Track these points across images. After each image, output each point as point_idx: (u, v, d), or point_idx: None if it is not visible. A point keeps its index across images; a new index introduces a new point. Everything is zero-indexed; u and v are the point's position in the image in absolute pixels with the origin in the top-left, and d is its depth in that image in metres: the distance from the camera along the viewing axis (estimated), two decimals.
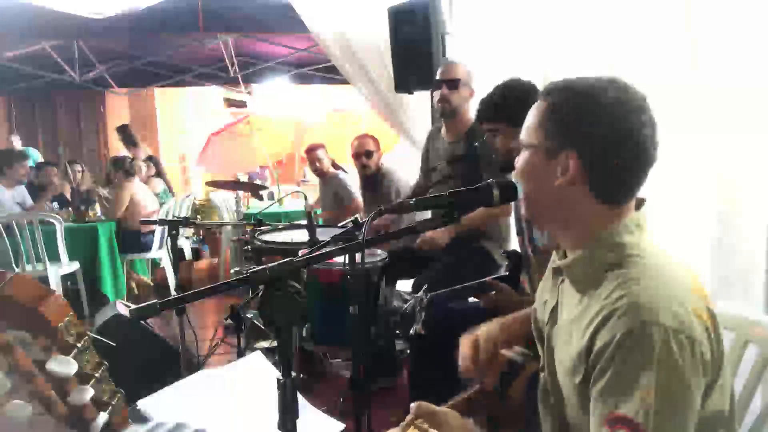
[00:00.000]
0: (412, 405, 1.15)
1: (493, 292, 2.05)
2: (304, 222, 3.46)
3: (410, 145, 4.19)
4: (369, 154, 4.14)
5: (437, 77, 3.05)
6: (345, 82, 4.79)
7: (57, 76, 7.43)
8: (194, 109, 10.42)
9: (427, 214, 2.05)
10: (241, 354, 2.97)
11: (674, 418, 0.97)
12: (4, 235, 4.51)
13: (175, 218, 3.24)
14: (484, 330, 1.47)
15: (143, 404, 1.26)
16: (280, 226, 3.81)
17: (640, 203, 1.16)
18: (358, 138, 4.26)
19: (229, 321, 3.12)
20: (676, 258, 1.11)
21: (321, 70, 7.40)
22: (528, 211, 1.20)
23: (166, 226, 3.44)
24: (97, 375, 0.79)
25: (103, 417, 0.77)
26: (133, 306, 1.01)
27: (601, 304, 1.05)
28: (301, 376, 3.24)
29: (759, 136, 1.79)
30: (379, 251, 3.14)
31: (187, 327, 2.74)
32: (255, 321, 3.53)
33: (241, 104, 10.33)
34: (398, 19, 3.70)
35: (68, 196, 5.90)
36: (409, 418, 1.15)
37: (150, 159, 6.88)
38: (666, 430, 0.96)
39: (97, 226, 5.01)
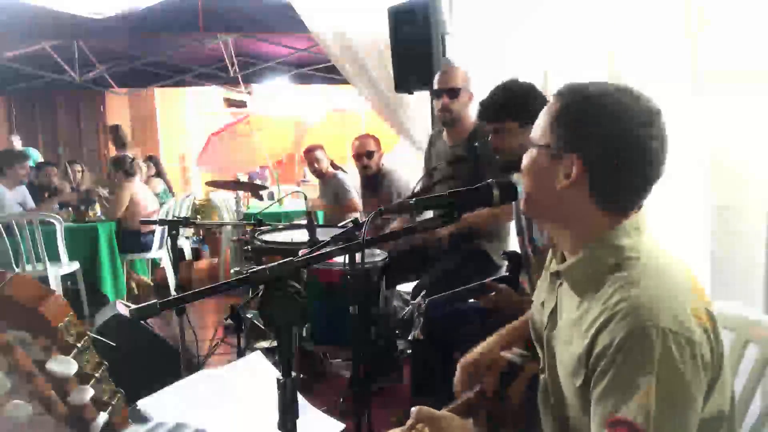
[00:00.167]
0: (413, 410, 1.15)
1: (493, 294, 2.05)
2: (304, 222, 3.46)
3: (410, 145, 4.19)
4: (370, 154, 4.14)
5: (436, 86, 3.01)
6: (345, 82, 4.80)
7: (57, 76, 7.43)
8: (194, 109, 10.42)
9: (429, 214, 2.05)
10: (241, 354, 2.97)
11: (675, 419, 0.97)
12: (4, 235, 4.51)
13: (175, 218, 3.24)
14: (480, 351, 1.46)
15: (143, 404, 1.26)
16: (280, 226, 3.81)
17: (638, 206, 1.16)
18: (359, 138, 4.25)
19: (229, 321, 3.12)
20: (676, 258, 1.11)
21: (321, 70, 7.40)
22: (527, 208, 1.21)
23: (166, 226, 3.44)
24: (97, 375, 0.79)
25: (103, 417, 0.78)
26: (133, 306, 1.01)
27: (601, 307, 1.05)
28: (301, 376, 3.24)
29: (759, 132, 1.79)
30: (378, 251, 3.15)
31: (187, 327, 2.74)
32: (255, 321, 3.53)
33: (241, 104, 10.33)
34: (398, 19, 3.70)
35: (68, 196, 5.90)
36: (409, 422, 1.15)
37: (150, 159, 6.88)
38: (666, 431, 0.96)
39: (97, 226, 5.01)
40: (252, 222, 3.34)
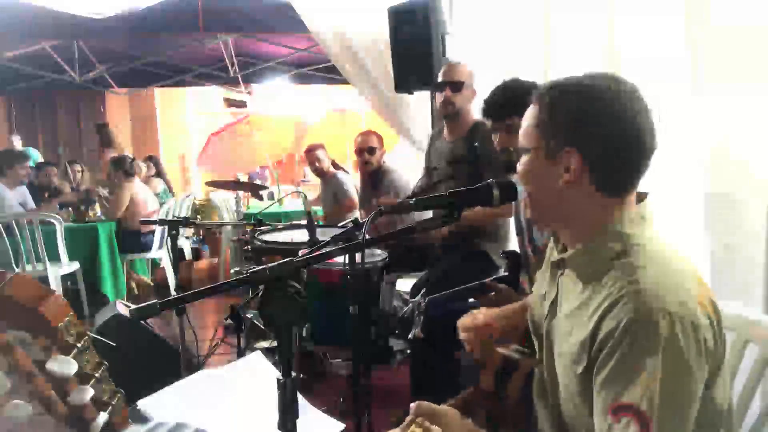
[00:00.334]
0: (412, 405, 1.15)
1: (493, 293, 2.05)
2: (304, 222, 3.46)
3: (410, 145, 4.19)
4: (372, 151, 4.12)
5: (440, 79, 3.02)
6: (345, 82, 4.80)
7: (57, 76, 7.43)
8: (194, 109, 10.42)
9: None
10: (241, 354, 2.96)
11: (677, 405, 0.98)
12: (4, 235, 4.51)
13: (175, 218, 3.24)
14: (482, 311, 1.52)
15: (143, 404, 1.26)
16: (280, 226, 3.81)
17: (641, 197, 1.16)
18: (362, 134, 4.24)
19: (229, 321, 3.12)
20: (680, 252, 1.12)
21: (321, 70, 7.41)
22: (533, 212, 1.21)
23: (166, 226, 3.44)
24: (97, 375, 0.79)
25: (103, 417, 0.77)
26: (133, 306, 1.01)
27: (606, 291, 1.06)
28: (301, 376, 3.24)
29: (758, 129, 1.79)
30: (378, 251, 3.14)
31: (187, 327, 2.73)
32: (255, 321, 3.53)
33: (241, 104, 10.33)
34: (398, 19, 3.70)
35: (68, 196, 5.91)
36: (409, 418, 1.15)
37: (150, 159, 6.89)
38: (668, 417, 0.97)
39: (97, 226, 5.01)
40: (252, 222, 3.34)
